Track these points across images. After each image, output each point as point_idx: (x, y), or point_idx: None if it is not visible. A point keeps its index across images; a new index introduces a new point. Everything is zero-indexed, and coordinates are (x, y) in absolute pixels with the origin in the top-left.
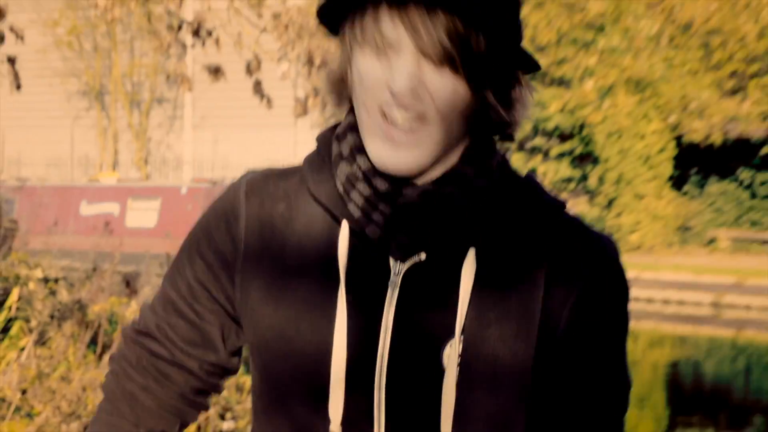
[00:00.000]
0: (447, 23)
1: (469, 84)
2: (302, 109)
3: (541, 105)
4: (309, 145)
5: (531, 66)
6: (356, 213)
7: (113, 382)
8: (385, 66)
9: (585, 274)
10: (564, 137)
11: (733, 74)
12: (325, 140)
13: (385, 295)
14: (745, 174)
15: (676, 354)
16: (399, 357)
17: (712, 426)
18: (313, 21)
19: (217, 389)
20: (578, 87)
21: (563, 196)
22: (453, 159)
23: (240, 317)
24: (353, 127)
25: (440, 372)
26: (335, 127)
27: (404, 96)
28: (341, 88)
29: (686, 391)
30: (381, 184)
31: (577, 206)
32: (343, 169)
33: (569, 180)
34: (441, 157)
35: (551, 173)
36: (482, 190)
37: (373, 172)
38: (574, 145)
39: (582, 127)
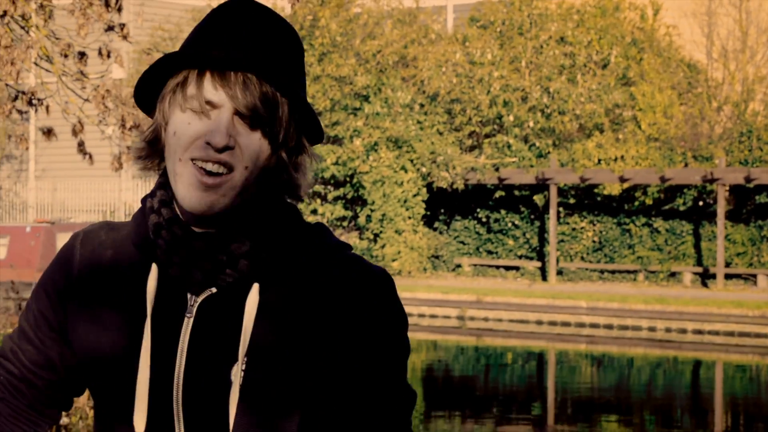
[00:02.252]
0: (260, 89)
1: (271, 144)
2: (118, 164)
3: (320, 158)
4: (132, 192)
5: (317, 135)
6: (162, 256)
7: None
8: (204, 123)
9: (362, 303)
10: (338, 184)
11: (471, 134)
12: (145, 200)
13: (182, 324)
14: (482, 213)
15: (430, 357)
16: (193, 375)
17: (460, 415)
18: (125, 92)
19: (65, 406)
20: (349, 144)
21: (338, 232)
22: (241, 207)
23: (70, 341)
24: (161, 185)
25: (228, 387)
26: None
27: (219, 147)
28: (155, 146)
29: (439, 387)
30: (178, 231)
31: (349, 240)
32: (152, 220)
33: (343, 218)
34: (238, 206)
35: (328, 213)
36: (266, 235)
37: (172, 221)
38: (347, 191)
39: (353, 176)
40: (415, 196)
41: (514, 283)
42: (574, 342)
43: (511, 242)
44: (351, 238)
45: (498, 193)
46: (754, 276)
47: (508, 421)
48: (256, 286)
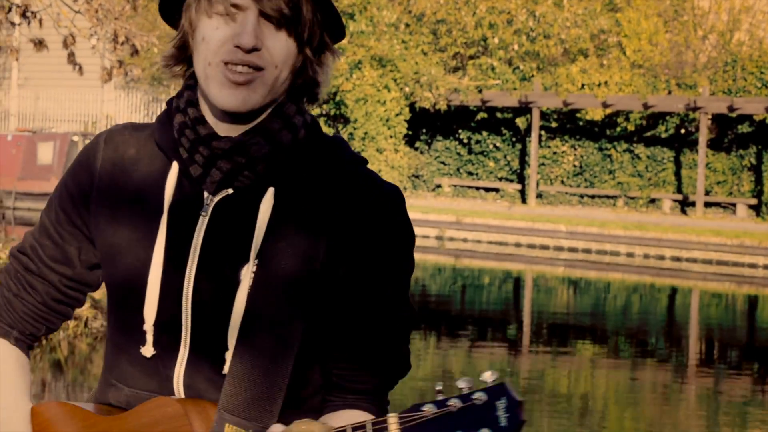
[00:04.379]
0: None
1: (297, 43)
2: (108, 76)
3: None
4: (114, 103)
5: (338, 34)
6: (184, 155)
7: None
8: (232, 27)
9: (372, 216)
10: (322, 102)
11: (455, 55)
12: (171, 101)
13: (197, 223)
14: (463, 134)
15: None
16: (204, 272)
17: (435, 334)
18: (118, 6)
19: (78, 302)
20: None
21: None
22: (260, 114)
23: (93, 238)
24: (189, 87)
25: (237, 286)
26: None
27: (248, 48)
28: (183, 54)
29: (415, 307)
30: (202, 130)
31: None
32: (177, 120)
33: None
34: (268, 104)
35: None
36: (285, 141)
37: (198, 120)
38: (329, 108)
39: (336, 94)
40: (397, 115)
41: (494, 205)
42: (552, 265)
43: (491, 164)
44: None
45: (480, 115)
46: (734, 205)
47: (483, 341)
48: (271, 190)
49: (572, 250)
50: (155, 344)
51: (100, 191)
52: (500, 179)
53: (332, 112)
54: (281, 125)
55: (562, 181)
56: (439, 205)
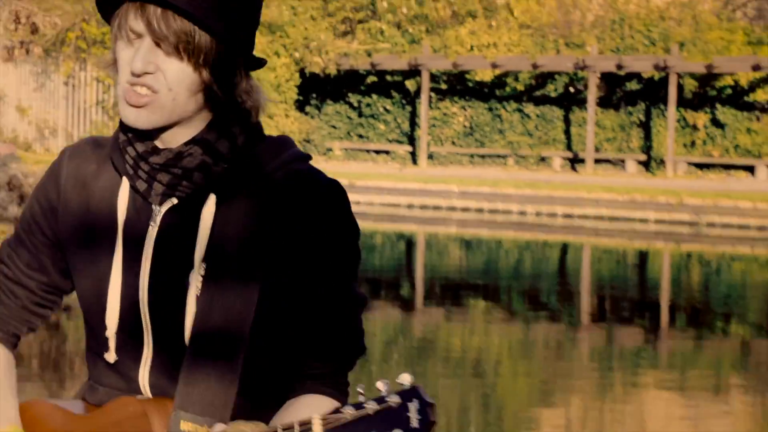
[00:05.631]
0: (175, 22)
1: (194, 67)
2: (9, 56)
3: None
4: (2, 77)
5: (253, 60)
6: (129, 171)
7: None
8: (131, 52)
9: (312, 213)
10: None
11: (344, 20)
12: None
13: (147, 233)
14: (353, 98)
15: None
16: (156, 279)
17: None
18: None
19: (56, 304)
20: None
21: None
22: (199, 127)
23: (62, 248)
24: None
25: (187, 290)
26: None
27: (137, 73)
28: (113, 69)
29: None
30: (140, 147)
31: None
32: (121, 138)
33: None
34: (183, 122)
35: None
36: (222, 150)
37: (135, 139)
38: None
39: None
40: (287, 81)
41: (386, 167)
42: (444, 225)
43: (382, 127)
44: None
45: (370, 79)
46: (623, 161)
47: (377, 301)
48: (212, 197)
49: (465, 209)
50: (118, 350)
51: (65, 206)
52: (391, 141)
53: None
54: (217, 135)
55: (453, 142)
56: (331, 169)
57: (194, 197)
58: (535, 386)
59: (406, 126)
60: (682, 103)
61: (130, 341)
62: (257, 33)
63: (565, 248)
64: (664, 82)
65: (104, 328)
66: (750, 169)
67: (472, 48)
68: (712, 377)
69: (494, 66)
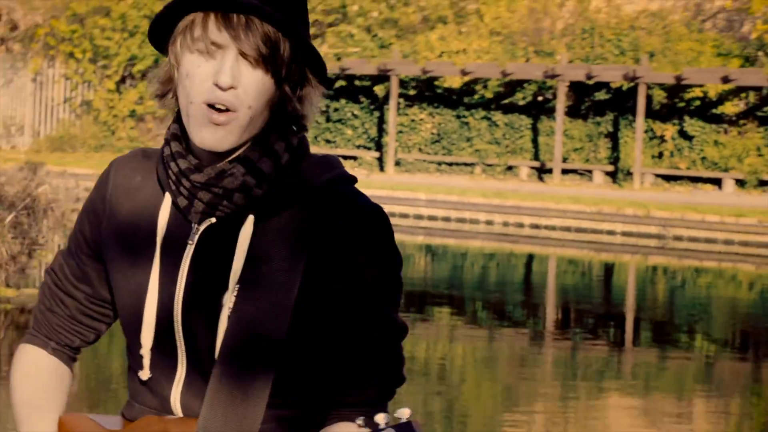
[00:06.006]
0: (262, 30)
1: (274, 80)
2: None
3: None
4: None
5: (320, 69)
6: (172, 186)
7: (36, 306)
8: (212, 65)
9: (353, 240)
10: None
11: (314, 23)
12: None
13: (185, 251)
14: (321, 103)
15: None
16: (191, 299)
17: None
18: None
19: (107, 317)
20: None
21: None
22: (252, 142)
23: (105, 261)
24: (176, 119)
25: (220, 311)
26: None
27: (225, 87)
28: (167, 87)
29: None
30: (183, 164)
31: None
32: (165, 152)
33: None
34: (246, 141)
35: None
36: (266, 169)
37: (178, 155)
38: None
39: None
40: None
41: (353, 173)
42: (411, 234)
43: (350, 132)
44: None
45: (339, 83)
46: (590, 172)
47: None
48: (251, 218)
49: (432, 218)
50: (152, 367)
51: (110, 219)
52: (358, 147)
53: None
54: (260, 153)
55: (420, 149)
56: None
57: (233, 217)
58: (498, 397)
59: (373, 132)
60: (651, 114)
61: (164, 359)
62: None
63: (531, 259)
64: (632, 92)
65: (140, 345)
66: (717, 182)
67: (441, 54)
68: (675, 390)
69: (464, 73)
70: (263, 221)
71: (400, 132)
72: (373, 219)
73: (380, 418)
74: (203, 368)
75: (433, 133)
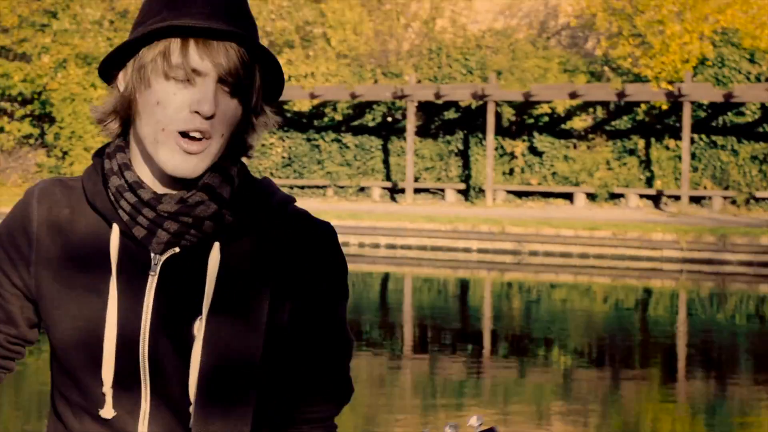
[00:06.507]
0: (239, 55)
1: (244, 109)
2: None
3: (6, 76)
4: None
5: (276, 94)
6: (125, 217)
7: None
8: (190, 92)
9: (310, 257)
10: (26, 101)
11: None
12: (98, 158)
13: (146, 283)
14: None
15: None
16: (157, 331)
17: None
18: None
19: (20, 355)
20: (37, 61)
21: (25, 149)
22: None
23: (36, 300)
24: (121, 148)
25: (192, 342)
26: (105, 147)
27: (208, 116)
28: (122, 114)
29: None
30: (144, 194)
31: (37, 157)
32: (113, 182)
33: (30, 136)
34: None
35: (15, 131)
36: (226, 195)
37: (137, 184)
38: (34, 108)
39: (41, 93)
40: None
41: None
42: None
43: None
44: (38, 156)
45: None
46: (442, 190)
47: None
48: (216, 245)
49: None
50: (115, 405)
51: (39, 255)
52: None
53: (37, 112)
54: (221, 180)
55: (272, 173)
56: None
57: (199, 245)
58: (359, 418)
59: None
60: (500, 131)
61: (124, 396)
62: (73, 64)
63: (386, 278)
64: (482, 110)
65: (98, 383)
66: (569, 197)
67: (290, 78)
68: (533, 404)
69: (312, 96)
70: (226, 247)
71: (250, 157)
72: (328, 236)
73: (473, 421)
74: (170, 400)
75: (283, 157)
